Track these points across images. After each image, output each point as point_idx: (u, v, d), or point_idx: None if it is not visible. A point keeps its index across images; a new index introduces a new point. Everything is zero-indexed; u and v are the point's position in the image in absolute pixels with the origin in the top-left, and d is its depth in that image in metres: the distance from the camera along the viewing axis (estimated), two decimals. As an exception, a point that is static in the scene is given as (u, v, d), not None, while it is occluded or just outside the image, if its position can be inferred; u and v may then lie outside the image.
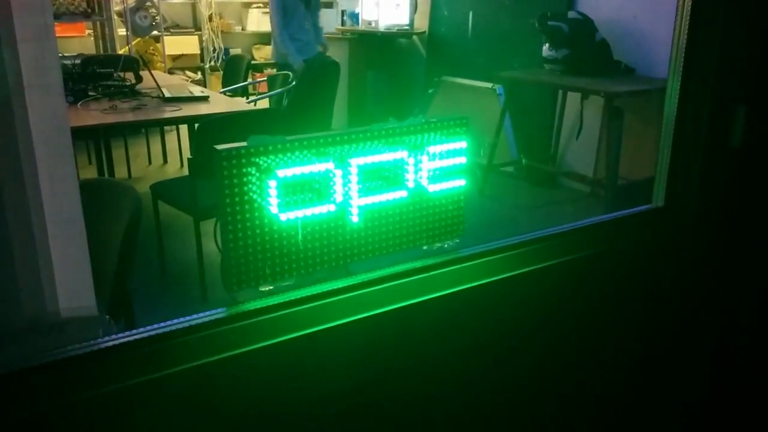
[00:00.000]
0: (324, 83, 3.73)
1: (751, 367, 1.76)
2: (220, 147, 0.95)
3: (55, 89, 0.97)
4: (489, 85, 4.52)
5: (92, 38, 6.27)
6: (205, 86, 6.32)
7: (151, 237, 3.01)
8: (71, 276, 1.01)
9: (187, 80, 5.74)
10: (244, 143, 0.96)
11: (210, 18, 7.00)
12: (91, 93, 3.50)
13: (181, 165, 4.80)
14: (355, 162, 1.05)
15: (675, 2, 1.45)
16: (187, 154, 4.56)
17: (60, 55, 1.07)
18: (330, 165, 1.03)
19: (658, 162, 1.53)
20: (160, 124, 4.40)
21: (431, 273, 1.19)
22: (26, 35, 0.92)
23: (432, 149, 1.13)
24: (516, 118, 4.48)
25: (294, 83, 3.82)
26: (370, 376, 1.16)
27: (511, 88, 4.18)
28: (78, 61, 3.71)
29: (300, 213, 1.03)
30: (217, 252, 1.06)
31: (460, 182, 1.19)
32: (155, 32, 6.41)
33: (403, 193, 1.13)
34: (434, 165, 1.15)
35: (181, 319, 0.98)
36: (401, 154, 1.11)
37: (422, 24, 5.46)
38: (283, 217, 1.02)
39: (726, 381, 1.79)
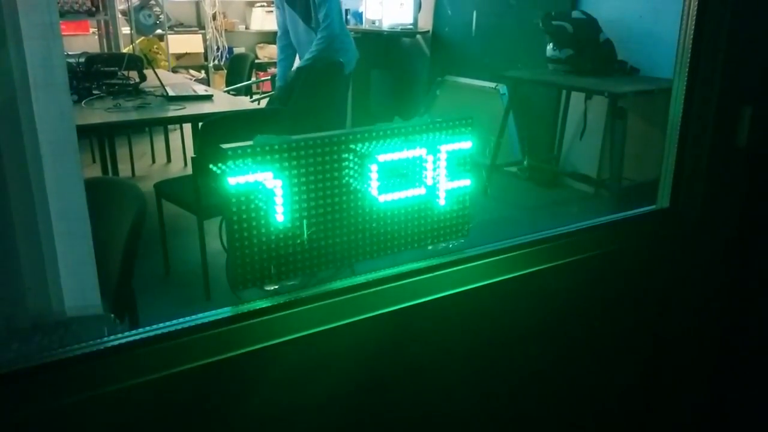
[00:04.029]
0: (326, 83, 3.72)
1: (757, 367, 1.75)
2: (225, 146, 0.95)
3: (61, 88, 0.97)
4: (493, 84, 4.51)
5: (96, 37, 6.28)
6: (209, 85, 6.33)
7: (155, 236, 3.01)
8: (76, 275, 1.01)
9: (191, 79, 5.75)
10: (249, 142, 0.96)
11: (214, 17, 7.00)
12: (95, 91, 3.51)
13: (185, 164, 4.80)
14: (361, 162, 1.05)
15: (680, 2, 1.45)
16: (190, 152, 4.56)
17: (64, 53, 1.07)
18: (334, 165, 1.03)
19: (663, 163, 1.52)
20: (164, 123, 4.40)
21: (436, 273, 1.18)
22: (32, 34, 0.92)
23: (437, 149, 1.13)
24: (520, 118, 4.47)
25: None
26: (375, 375, 1.16)
27: (514, 87, 4.17)
28: (82, 60, 3.72)
29: (305, 212, 1.03)
30: (220, 251, 1.06)
31: (465, 182, 1.19)
32: (159, 31, 6.42)
33: (408, 193, 1.13)
34: (439, 165, 1.15)
35: (186, 319, 0.98)
36: (406, 153, 1.10)
37: (426, 23, 5.46)
38: (288, 216, 1.02)
39: (732, 382, 1.79)
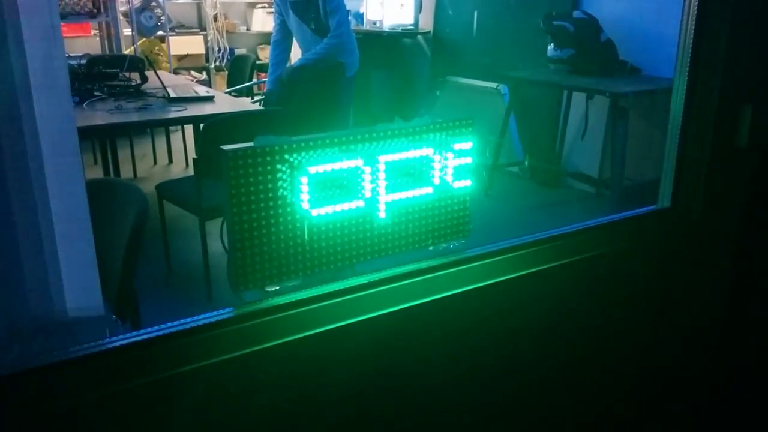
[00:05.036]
0: (322, 84, 3.72)
1: (758, 369, 1.75)
2: (226, 147, 0.95)
3: (62, 90, 0.97)
4: (494, 85, 4.51)
5: (98, 38, 6.28)
6: (210, 86, 6.33)
7: (157, 237, 3.02)
8: (78, 276, 1.01)
9: (193, 80, 5.76)
10: (250, 143, 0.97)
11: (215, 18, 7.01)
12: (96, 93, 3.52)
13: (187, 165, 4.81)
14: (361, 163, 1.05)
15: (681, 1, 1.45)
16: (192, 154, 4.57)
17: (66, 55, 1.07)
18: (335, 165, 1.03)
19: (664, 162, 1.53)
20: (166, 124, 4.41)
21: (437, 273, 1.19)
22: (33, 36, 0.92)
23: (437, 150, 1.13)
24: (521, 119, 4.47)
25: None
26: (375, 377, 1.16)
27: (516, 88, 4.17)
28: (84, 62, 3.73)
29: (305, 213, 1.03)
30: (222, 252, 1.06)
31: (466, 182, 1.19)
32: (160, 32, 6.43)
33: (408, 194, 1.13)
34: (440, 165, 1.15)
35: (187, 320, 0.99)
36: (406, 154, 1.10)
37: (427, 24, 5.46)
38: (290, 216, 1.02)
39: (732, 383, 1.79)
